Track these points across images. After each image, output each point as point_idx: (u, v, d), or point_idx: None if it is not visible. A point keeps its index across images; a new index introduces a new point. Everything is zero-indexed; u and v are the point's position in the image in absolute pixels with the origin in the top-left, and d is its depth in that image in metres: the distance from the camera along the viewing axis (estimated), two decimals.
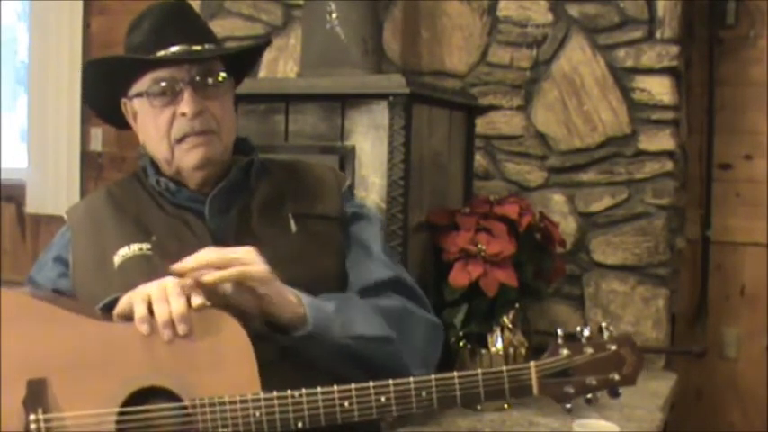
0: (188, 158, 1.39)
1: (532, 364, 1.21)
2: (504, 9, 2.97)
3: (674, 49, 2.79)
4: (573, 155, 2.90)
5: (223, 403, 1.19)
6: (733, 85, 3.09)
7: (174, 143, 1.39)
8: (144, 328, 1.19)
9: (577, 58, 2.88)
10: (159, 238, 1.39)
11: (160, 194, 1.44)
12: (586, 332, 1.24)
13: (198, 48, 1.39)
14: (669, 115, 2.81)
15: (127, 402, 1.18)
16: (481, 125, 2.85)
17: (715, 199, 3.12)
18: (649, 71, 2.81)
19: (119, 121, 1.50)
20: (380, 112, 2.21)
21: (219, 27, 3.14)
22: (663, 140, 2.81)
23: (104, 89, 1.46)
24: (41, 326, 1.19)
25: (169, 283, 1.22)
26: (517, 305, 2.34)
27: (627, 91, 2.84)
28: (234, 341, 1.22)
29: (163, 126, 1.39)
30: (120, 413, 1.17)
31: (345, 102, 2.26)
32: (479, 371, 1.21)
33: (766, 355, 3.07)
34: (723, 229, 3.12)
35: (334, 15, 2.47)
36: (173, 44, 1.38)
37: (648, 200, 2.83)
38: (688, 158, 3.12)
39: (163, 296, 1.20)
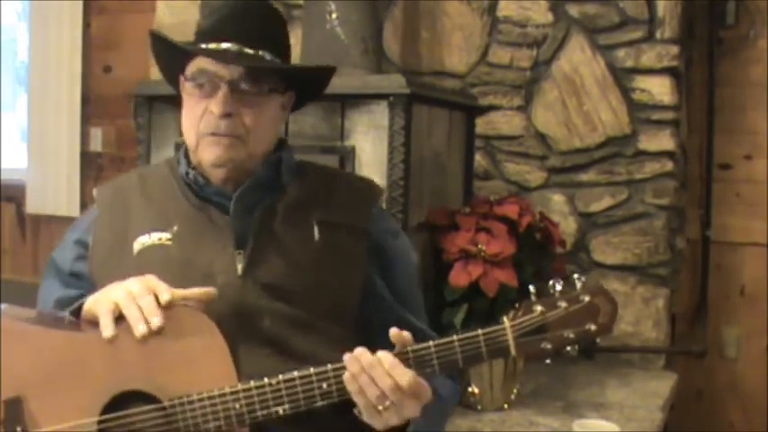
0: (206, 154, 1.37)
1: (507, 324, 1.19)
2: (504, 9, 2.98)
3: (674, 49, 2.79)
4: (573, 155, 2.90)
5: (202, 399, 1.18)
6: (733, 85, 3.08)
7: (200, 135, 1.38)
8: (112, 341, 1.19)
9: (577, 58, 2.88)
10: (180, 230, 1.37)
11: (187, 185, 1.42)
12: (558, 286, 1.21)
13: (249, 51, 1.36)
14: (669, 115, 2.81)
15: (106, 410, 1.17)
16: (481, 125, 2.85)
17: (715, 199, 3.11)
18: (649, 71, 2.81)
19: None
20: (380, 112, 2.21)
21: None
22: (663, 140, 2.81)
23: (167, 60, 1.46)
24: (11, 345, 1.18)
25: (134, 286, 1.23)
26: (517, 305, 2.33)
27: (627, 91, 2.84)
28: (206, 337, 1.21)
29: (195, 116, 1.38)
30: (101, 421, 1.17)
31: (345, 102, 2.25)
32: (455, 337, 1.19)
33: (766, 355, 3.07)
34: (723, 228, 3.12)
35: (334, 15, 2.47)
36: (227, 41, 1.36)
37: (648, 200, 2.83)
38: (688, 158, 3.12)
39: (131, 299, 1.21)
